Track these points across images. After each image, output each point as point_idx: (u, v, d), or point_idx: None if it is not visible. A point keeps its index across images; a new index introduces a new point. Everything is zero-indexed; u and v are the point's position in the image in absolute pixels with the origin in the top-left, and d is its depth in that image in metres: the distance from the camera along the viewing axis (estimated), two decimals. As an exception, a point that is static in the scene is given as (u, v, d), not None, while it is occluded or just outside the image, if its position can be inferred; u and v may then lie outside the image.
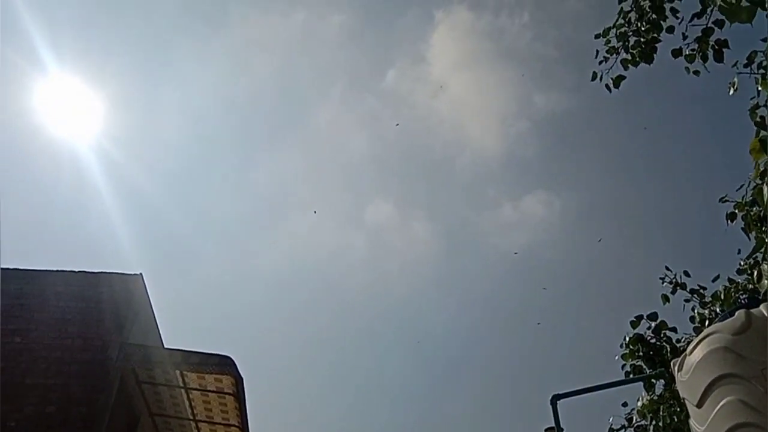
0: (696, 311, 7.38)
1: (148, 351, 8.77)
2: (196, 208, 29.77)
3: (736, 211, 6.06)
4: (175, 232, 29.59)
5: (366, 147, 29.68)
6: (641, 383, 7.15)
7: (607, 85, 6.32)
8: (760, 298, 4.78)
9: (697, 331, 6.94)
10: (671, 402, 6.90)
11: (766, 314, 2.40)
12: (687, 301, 7.61)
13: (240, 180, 30.44)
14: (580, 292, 29.61)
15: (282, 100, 29.61)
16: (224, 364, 8.42)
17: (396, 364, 32.18)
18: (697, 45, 5.86)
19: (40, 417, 7.84)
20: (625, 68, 6.22)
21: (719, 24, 5.67)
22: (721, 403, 2.32)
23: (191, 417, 10.22)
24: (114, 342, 8.47)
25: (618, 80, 6.26)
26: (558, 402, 6.06)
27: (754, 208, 5.78)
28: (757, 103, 5.23)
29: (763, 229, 5.59)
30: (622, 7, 6.14)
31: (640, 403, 7.31)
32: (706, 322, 6.71)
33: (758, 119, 5.02)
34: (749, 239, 5.97)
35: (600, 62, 6.32)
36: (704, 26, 5.76)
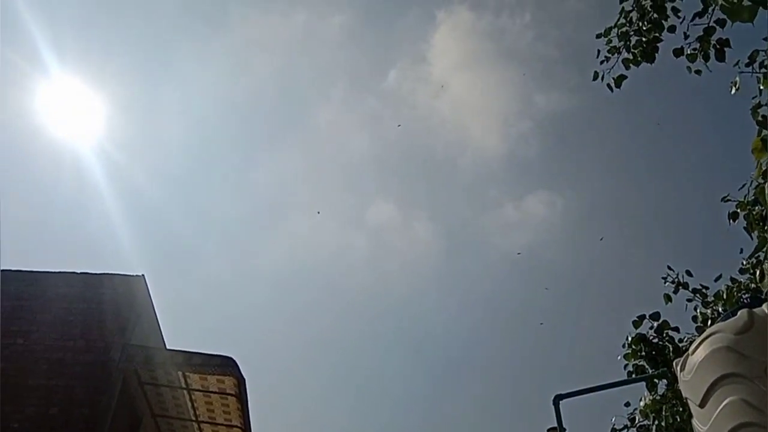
0: (698, 311, 7.37)
1: (150, 352, 8.77)
2: (197, 209, 29.83)
3: (738, 210, 6.05)
4: (177, 232, 29.65)
5: (367, 147, 29.71)
6: (644, 383, 7.14)
7: (608, 85, 6.31)
8: (763, 297, 4.77)
9: (700, 330, 6.92)
10: (674, 402, 6.89)
11: (768, 313, 2.40)
12: (689, 300, 7.60)
13: (240, 180, 30.49)
14: (582, 292, 29.60)
15: (282, 100, 29.65)
16: (226, 365, 8.42)
17: (397, 365, 32.21)
18: (698, 44, 5.85)
19: (43, 418, 7.86)
20: (627, 68, 6.21)
21: (721, 23, 5.66)
22: (723, 403, 2.32)
23: (193, 418, 10.23)
24: (116, 343, 8.48)
25: (619, 80, 6.26)
26: (560, 402, 6.05)
27: (756, 208, 5.78)
28: (759, 102, 5.23)
29: (766, 228, 5.59)
30: (623, 7, 6.13)
31: (642, 403, 7.30)
32: (709, 322, 6.70)
33: (760, 118, 5.01)
34: (751, 239, 5.97)
35: (601, 62, 6.31)
36: (706, 25, 5.75)
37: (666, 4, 5.90)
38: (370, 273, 31.60)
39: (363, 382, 33.22)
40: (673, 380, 6.56)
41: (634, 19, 6.10)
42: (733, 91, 5.55)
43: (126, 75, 27.66)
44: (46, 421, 7.83)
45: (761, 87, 5.23)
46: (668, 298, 7.60)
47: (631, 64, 6.19)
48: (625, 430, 7.86)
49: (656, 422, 7.14)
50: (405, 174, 31.80)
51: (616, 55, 6.23)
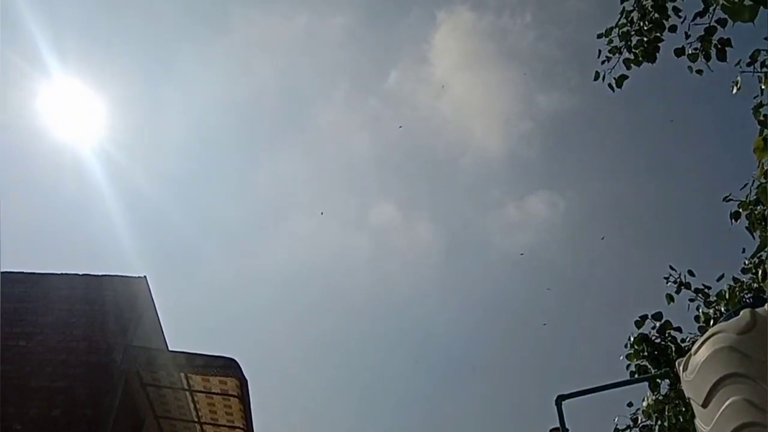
0: (701, 311, 7.37)
1: (152, 354, 8.77)
2: (198, 210, 29.81)
3: (740, 210, 6.05)
4: (178, 233, 29.63)
5: (368, 148, 29.69)
6: (646, 383, 7.14)
7: (609, 85, 6.31)
8: (765, 297, 4.77)
9: (702, 330, 6.92)
10: (676, 402, 6.89)
11: (771, 313, 2.40)
12: (692, 300, 7.61)
13: (242, 182, 30.49)
14: (584, 292, 29.54)
15: (284, 101, 29.63)
16: (229, 367, 8.42)
17: (398, 365, 32.18)
18: (699, 44, 5.85)
19: (45, 420, 7.86)
20: (628, 68, 6.21)
21: (722, 23, 5.66)
22: (726, 403, 2.32)
23: (196, 419, 10.23)
24: (118, 345, 8.48)
25: (621, 80, 6.26)
26: (563, 403, 6.05)
27: (758, 207, 5.78)
28: (761, 101, 5.23)
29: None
30: (624, 7, 6.13)
31: (645, 403, 7.30)
32: (711, 322, 6.70)
33: (762, 118, 5.02)
34: (753, 238, 5.97)
35: (603, 62, 6.32)
36: (707, 25, 5.75)
37: (667, 4, 5.90)
38: (372, 273, 31.61)
39: (365, 382, 33.23)
40: (675, 380, 6.56)
41: (635, 19, 6.10)
42: (735, 90, 5.56)
43: (127, 76, 27.63)
44: (49, 423, 7.84)
45: (763, 86, 5.23)
46: (670, 298, 7.60)
47: (632, 64, 6.19)
48: (628, 430, 7.87)
49: (659, 422, 7.15)
50: (406, 174, 31.80)
51: (617, 55, 6.23)
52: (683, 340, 7.30)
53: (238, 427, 9.98)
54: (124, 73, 26.40)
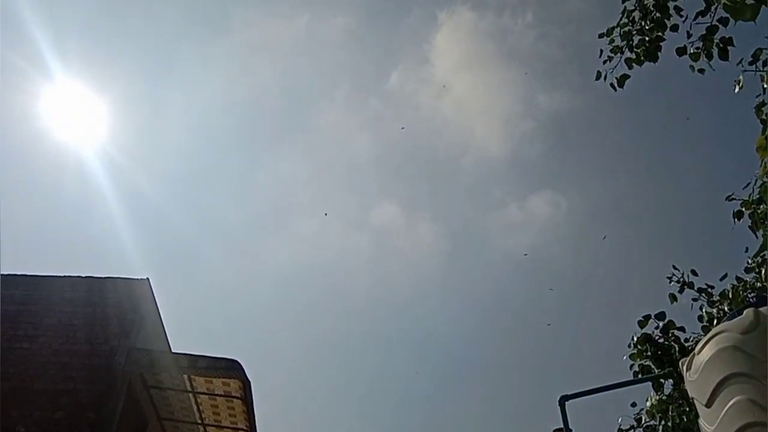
0: (704, 310, 7.35)
1: (155, 356, 8.78)
2: (200, 211, 29.86)
3: (743, 209, 6.04)
4: (180, 235, 29.69)
5: (370, 148, 29.73)
6: (650, 383, 7.12)
7: (611, 85, 6.31)
8: (769, 296, 4.76)
9: (706, 330, 6.91)
10: (680, 402, 6.88)
11: (774, 312, 2.39)
12: (695, 300, 7.59)
13: (244, 183, 30.56)
14: (586, 292, 29.52)
15: (285, 102, 29.69)
16: (231, 368, 8.42)
17: (400, 365, 32.18)
18: (701, 43, 5.85)
19: (49, 423, 7.86)
20: (630, 67, 6.21)
21: (724, 22, 5.65)
22: (730, 403, 2.31)
23: (199, 421, 10.23)
24: (121, 347, 8.49)
25: (622, 79, 6.25)
26: (566, 403, 6.03)
27: (761, 206, 5.77)
28: (763, 100, 5.23)
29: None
30: (625, 6, 6.13)
31: (648, 403, 7.29)
32: (715, 321, 6.68)
33: (764, 116, 5.01)
34: (756, 237, 5.96)
35: (604, 62, 6.32)
36: (709, 24, 5.75)
37: (669, 3, 5.90)
38: (372, 274, 31.63)
39: (365, 382, 33.20)
40: (679, 380, 6.55)
41: (636, 19, 6.09)
42: (737, 89, 5.55)
43: (128, 77, 27.69)
44: (52, 426, 7.84)
45: (765, 85, 5.23)
46: (674, 298, 7.59)
47: (633, 64, 6.19)
48: (632, 430, 7.85)
49: (663, 422, 7.13)
50: (407, 175, 31.80)
51: (618, 54, 6.23)
52: (686, 340, 7.28)
53: (242, 429, 9.98)
54: (125, 74, 26.51)
